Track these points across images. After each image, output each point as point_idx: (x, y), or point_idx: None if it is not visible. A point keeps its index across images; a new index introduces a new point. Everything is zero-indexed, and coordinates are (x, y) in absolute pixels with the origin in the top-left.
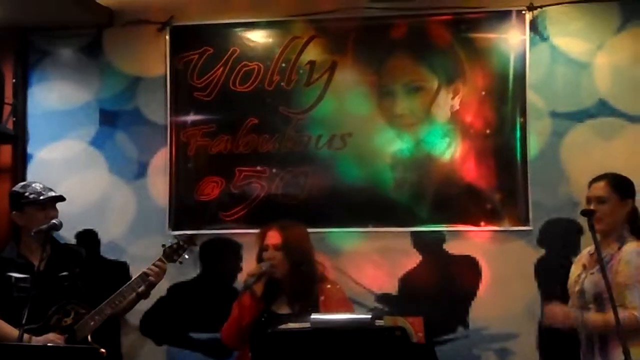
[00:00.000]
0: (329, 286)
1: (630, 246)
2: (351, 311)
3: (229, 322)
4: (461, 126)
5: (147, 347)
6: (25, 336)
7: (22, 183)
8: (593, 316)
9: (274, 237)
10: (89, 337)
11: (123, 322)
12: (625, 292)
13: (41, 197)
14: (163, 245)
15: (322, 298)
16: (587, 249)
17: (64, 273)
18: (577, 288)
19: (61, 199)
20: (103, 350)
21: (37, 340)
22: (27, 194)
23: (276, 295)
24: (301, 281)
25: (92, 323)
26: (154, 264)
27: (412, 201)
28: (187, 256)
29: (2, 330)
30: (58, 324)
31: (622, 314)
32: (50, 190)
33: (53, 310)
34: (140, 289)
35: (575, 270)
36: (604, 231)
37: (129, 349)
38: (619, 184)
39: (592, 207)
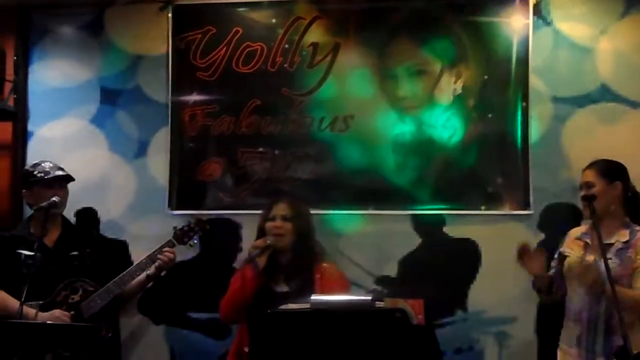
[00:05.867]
0: (325, 264)
1: None
2: (348, 290)
3: (227, 295)
4: (463, 110)
5: (145, 326)
6: (32, 311)
7: (34, 162)
8: (624, 291)
9: (283, 209)
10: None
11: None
12: None
13: (47, 177)
14: (174, 227)
15: (318, 276)
16: (579, 229)
17: (75, 252)
18: None
19: (69, 178)
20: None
21: (42, 317)
22: (35, 172)
23: (274, 272)
24: (302, 256)
25: (99, 301)
26: (163, 246)
27: (413, 184)
28: (196, 240)
29: (8, 305)
30: (65, 300)
31: None
32: (59, 169)
33: (61, 286)
34: (150, 270)
35: (574, 248)
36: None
37: (127, 327)
38: (605, 168)
39: (583, 193)
